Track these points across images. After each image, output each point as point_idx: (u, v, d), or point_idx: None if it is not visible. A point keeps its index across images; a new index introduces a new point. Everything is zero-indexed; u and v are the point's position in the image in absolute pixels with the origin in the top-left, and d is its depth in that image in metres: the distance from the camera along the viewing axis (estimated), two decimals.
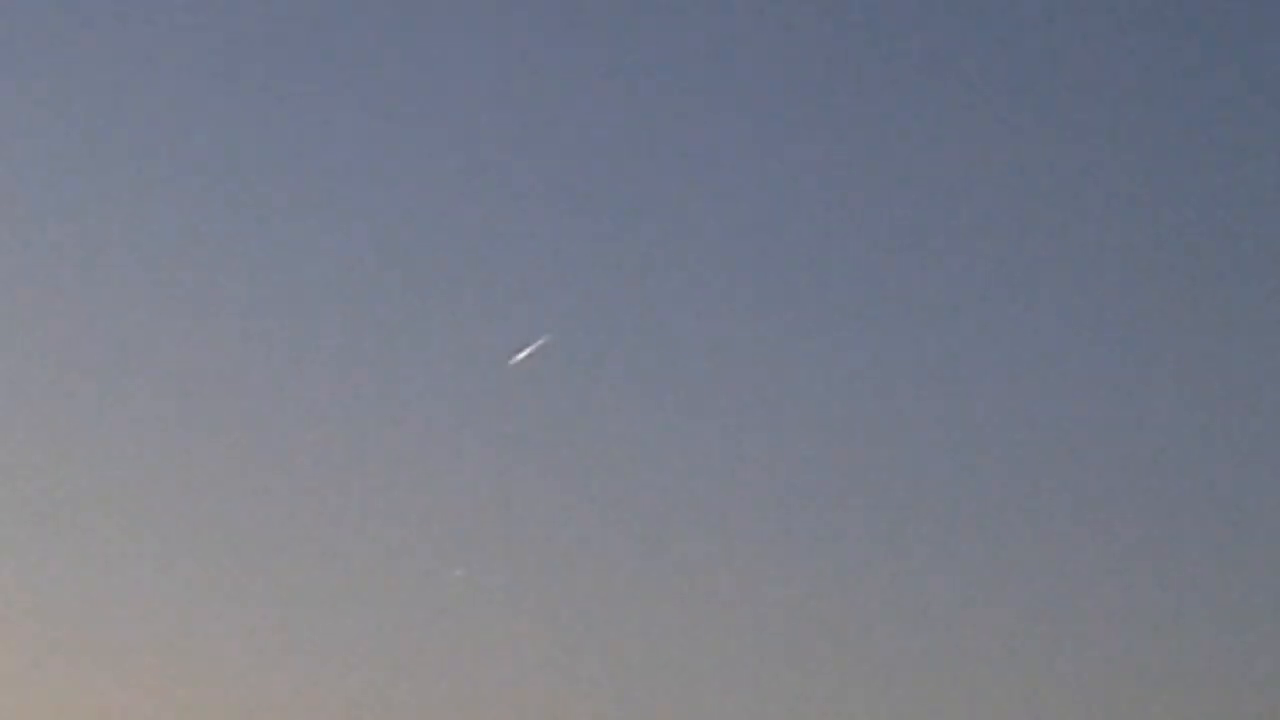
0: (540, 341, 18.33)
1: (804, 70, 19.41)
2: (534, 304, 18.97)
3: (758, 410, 18.80)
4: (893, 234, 19.11)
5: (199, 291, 19.10)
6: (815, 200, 19.36)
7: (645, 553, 18.28)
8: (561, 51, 19.58)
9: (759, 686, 17.54)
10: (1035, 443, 18.35)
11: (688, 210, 19.37)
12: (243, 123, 19.46)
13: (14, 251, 19.00)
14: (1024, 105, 19.03)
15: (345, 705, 17.47)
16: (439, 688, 17.62)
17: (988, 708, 17.18)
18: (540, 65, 19.56)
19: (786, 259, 19.32)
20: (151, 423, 18.66)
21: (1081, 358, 18.63)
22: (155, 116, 19.40)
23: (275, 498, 18.43)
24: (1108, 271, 18.73)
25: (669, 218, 19.35)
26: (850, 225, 19.25)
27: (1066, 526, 18.01)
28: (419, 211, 19.39)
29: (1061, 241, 18.85)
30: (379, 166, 19.46)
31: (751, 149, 19.48)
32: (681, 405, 18.80)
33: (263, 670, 17.69)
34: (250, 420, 18.78)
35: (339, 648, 17.78)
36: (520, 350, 18.35)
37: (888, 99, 19.27)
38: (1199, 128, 18.80)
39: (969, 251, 18.95)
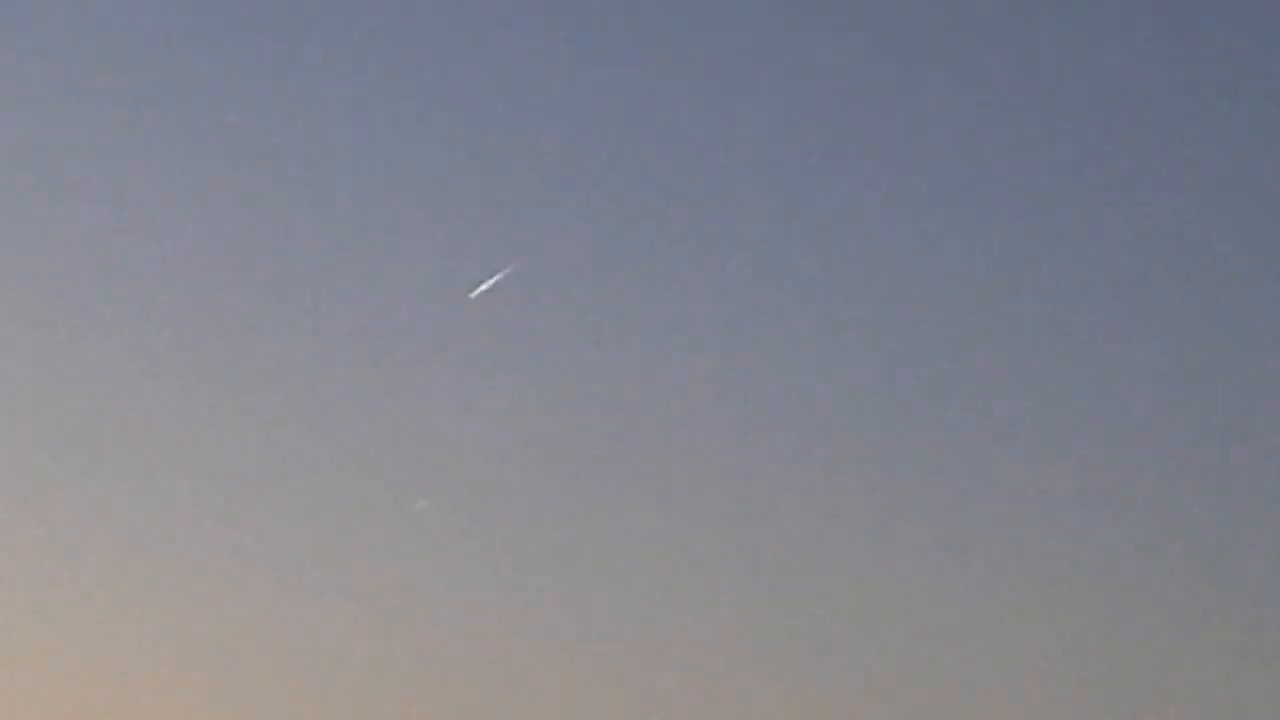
0: (503, 273, 18.35)
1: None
2: (497, 236, 19.01)
3: (724, 343, 18.85)
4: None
5: (160, 229, 19.09)
6: (783, 131, 19.35)
7: (609, 485, 18.33)
8: None
9: (721, 628, 17.72)
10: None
11: (655, 138, 19.33)
12: (205, 73, 19.41)
13: None
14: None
15: (304, 636, 17.62)
16: (401, 619, 17.74)
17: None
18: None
19: (757, 186, 19.24)
20: (114, 371, 18.72)
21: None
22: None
23: (235, 432, 18.51)
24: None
25: (634, 145, 19.33)
26: (826, 164, 19.28)
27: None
28: (381, 142, 19.37)
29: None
30: (342, 99, 19.42)
31: (725, 83, 19.43)
32: (646, 338, 18.85)
33: (218, 598, 17.85)
34: (210, 356, 18.84)
35: (299, 578, 17.90)
36: (483, 282, 18.38)
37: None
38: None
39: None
